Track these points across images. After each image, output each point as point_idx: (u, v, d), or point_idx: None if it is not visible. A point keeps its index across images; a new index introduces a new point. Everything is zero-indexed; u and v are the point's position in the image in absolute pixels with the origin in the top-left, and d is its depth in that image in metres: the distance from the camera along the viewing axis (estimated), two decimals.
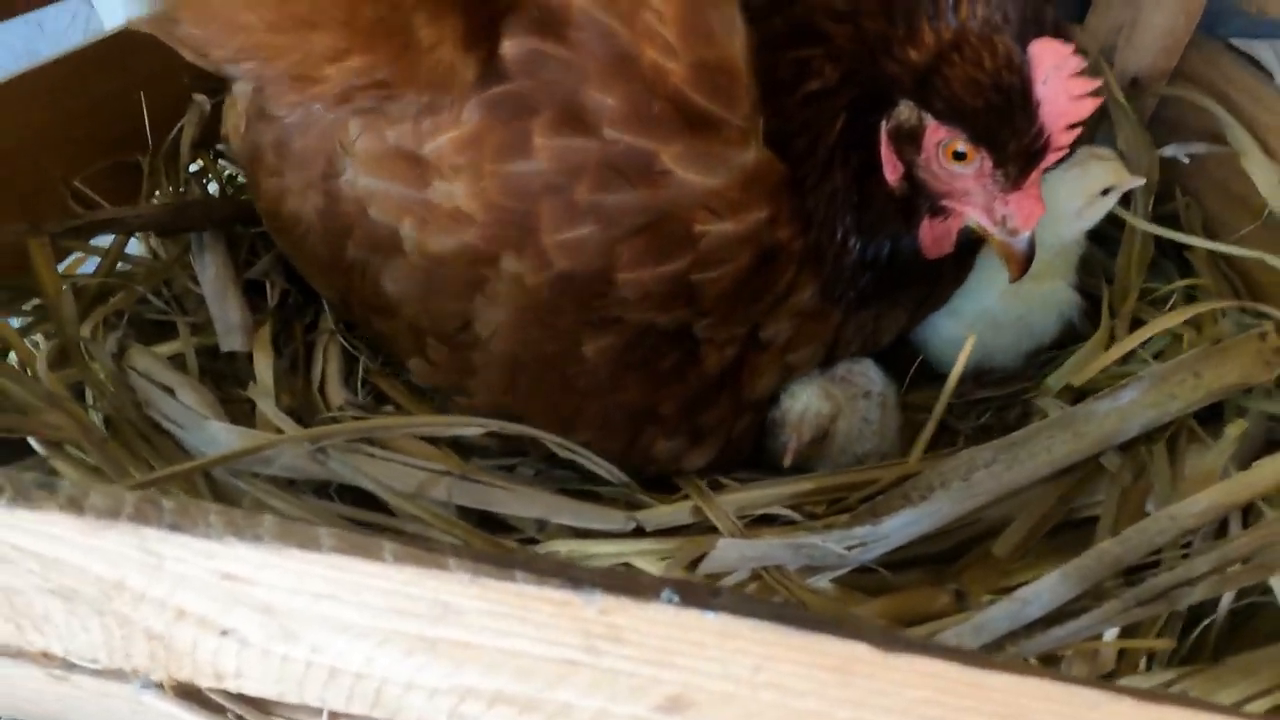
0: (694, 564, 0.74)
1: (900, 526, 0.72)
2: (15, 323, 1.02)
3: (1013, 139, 0.74)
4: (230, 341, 0.95)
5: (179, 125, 1.28)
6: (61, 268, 1.12)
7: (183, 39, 0.75)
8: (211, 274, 1.05)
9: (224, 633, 0.52)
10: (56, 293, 0.98)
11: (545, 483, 0.89)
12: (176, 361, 0.99)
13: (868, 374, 0.93)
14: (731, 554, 0.71)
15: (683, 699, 0.47)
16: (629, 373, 0.82)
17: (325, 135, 0.80)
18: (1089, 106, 0.73)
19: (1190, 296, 1.02)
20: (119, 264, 1.14)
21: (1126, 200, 1.11)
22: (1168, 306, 1.03)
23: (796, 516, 0.77)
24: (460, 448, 0.87)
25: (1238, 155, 1.02)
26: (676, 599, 0.42)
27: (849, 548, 0.70)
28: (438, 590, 0.45)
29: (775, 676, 0.45)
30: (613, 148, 0.72)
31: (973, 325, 1.04)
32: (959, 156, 0.79)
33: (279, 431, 0.77)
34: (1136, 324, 1.02)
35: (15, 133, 1.11)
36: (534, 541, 0.77)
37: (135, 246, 1.20)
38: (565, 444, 0.80)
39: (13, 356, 0.92)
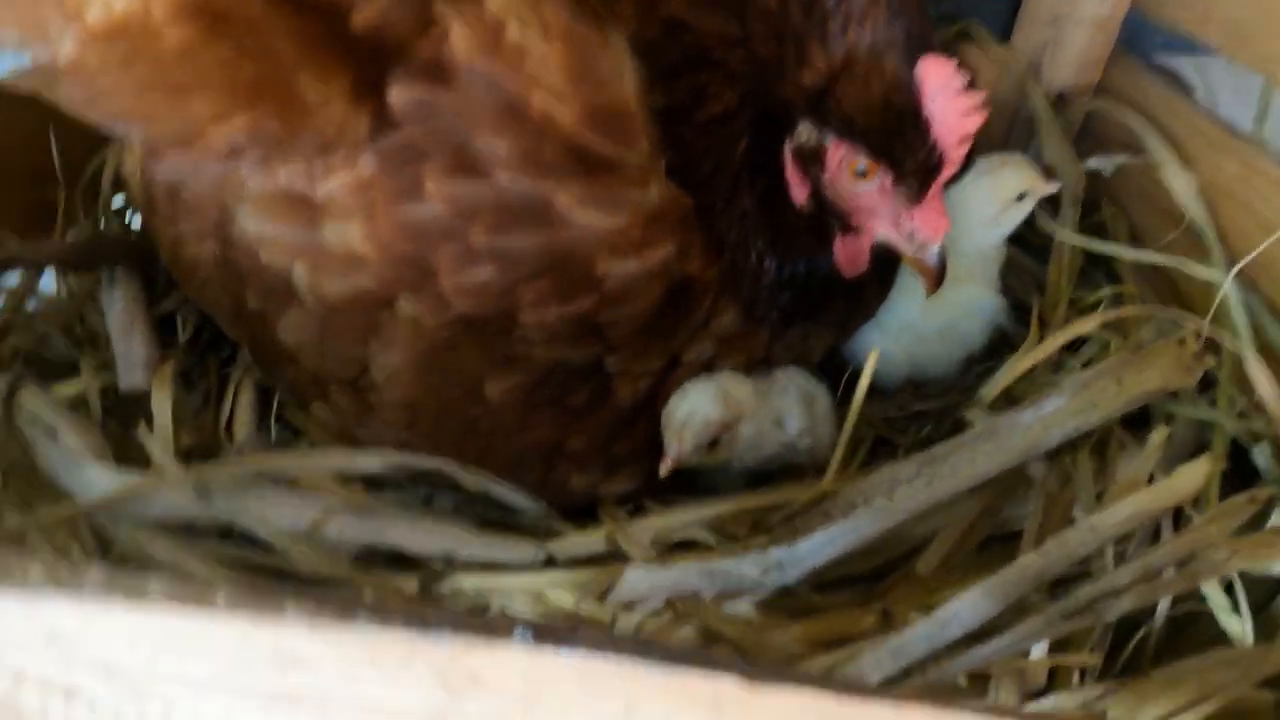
0: (607, 593, 0.70)
1: (816, 547, 0.69)
2: None
3: (908, 155, 0.75)
4: (130, 378, 0.91)
5: (98, 160, 1.25)
6: None
7: (62, 98, 0.72)
8: (119, 309, 1.01)
9: (69, 694, 0.48)
10: None
11: (464, 515, 0.86)
12: (79, 401, 0.95)
13: (791, 374, 0.90)
14: (642, 583, 0.67)
15: None
16: (538, 411, 0.80)
17: (216, 183, 0.77)
18: (976, 121, 0.74)
19: (1118, 304, 1.02)
20: (30, 301, 1.10)
21: (1056, 212, 1.12)
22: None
23: (713, 541, 0.74)
24: (374, 483, 0.83)
25: (1157, 166, 1.03)
26: (530, 638, 0.39)
27: (764, 571, 0.67)
28: (279, 638, 0.42)
29: (648, 717, 0.42)
30: (506, 192, 0.71)
31: (898, 338, 1.05)
32: (861, 174, 0.79)
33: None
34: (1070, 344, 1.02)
35: None
36: (441, 576, 0.73)
37: (52, 283, 1.16)
38: (477, 475, 0.77)
39: None
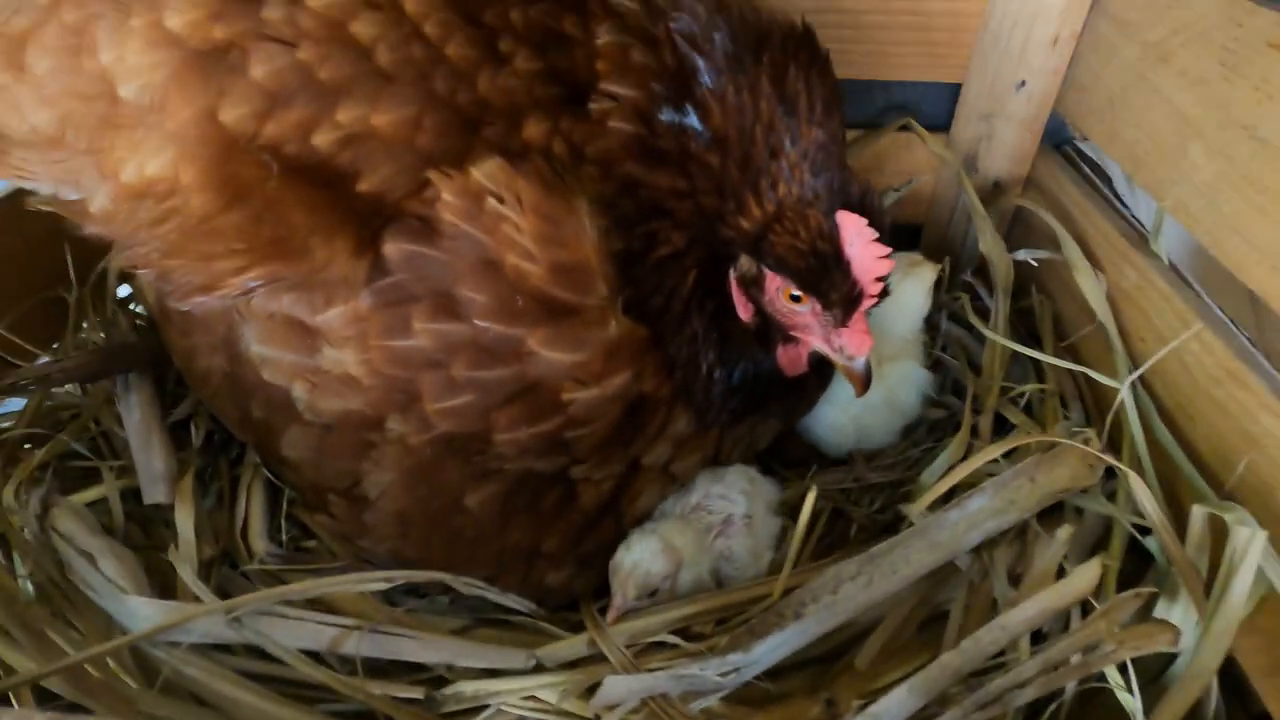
0: (590, 691, 0.81)
1: (769, 650, 0.80)
2: None
3: (833, 290, 0.89)
4: (154, 494, 0.99)
5: (107, 255, 1.31)
6: None
7: (89, 233, 0.81)
8: (136, 418, 1.09)
9: None
10: None
11: (460, 611, 0.96)
12: (102, 507, 1.03)
13: (730, 495, 1.01)
14: (620, 688, 0.78)
15: None
16: (514, 518, 0.91)
17: (225, 304, 0.86)
18: (888, 265, 0.88)
19: (1041, 396, 1.14)
20: (44, 402, 1.18)
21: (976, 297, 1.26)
22: (1022, 404, 1.15)
23: (681, 642, 0.85)
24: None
25: (1072, 267, 1.15)
26: None
27: (724, 674, 0.78)
28: None
29: None
30: (484, 334, 0.82)
31: (845, 409, 1.21)
32: (795, 299, 0.93)
33: (197, 599, 0.83)
34: (999, 419, 1.15)
35: None
36: (445, 681, 0.84)
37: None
38: (471, 583, 0.87)
39: None
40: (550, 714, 0.81)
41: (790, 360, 1.03)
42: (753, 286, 0.96)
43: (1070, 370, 1.15)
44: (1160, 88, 1.01)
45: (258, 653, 0.83)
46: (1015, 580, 0.92)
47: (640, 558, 0.90)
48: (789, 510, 1.26)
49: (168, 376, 1.21)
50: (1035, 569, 0.90)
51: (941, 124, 1.44)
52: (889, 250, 0.87)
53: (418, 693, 0.79)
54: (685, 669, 0.78)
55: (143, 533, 1.03)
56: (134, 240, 0.78)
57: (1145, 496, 0.85)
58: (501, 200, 0.80)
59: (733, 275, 0.97)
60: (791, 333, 0.99)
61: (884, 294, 0.91)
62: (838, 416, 1.21)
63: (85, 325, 1.28)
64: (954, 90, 1.39)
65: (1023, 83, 1.30)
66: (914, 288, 1.21)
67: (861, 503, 1.26)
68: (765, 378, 1.03)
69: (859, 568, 0.88)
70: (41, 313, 1.24)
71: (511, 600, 0.91)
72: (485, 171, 0.81)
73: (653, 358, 0.92)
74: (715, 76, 0.90)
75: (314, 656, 0.83)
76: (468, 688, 0.81)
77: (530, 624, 0.93)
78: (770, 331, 1.00)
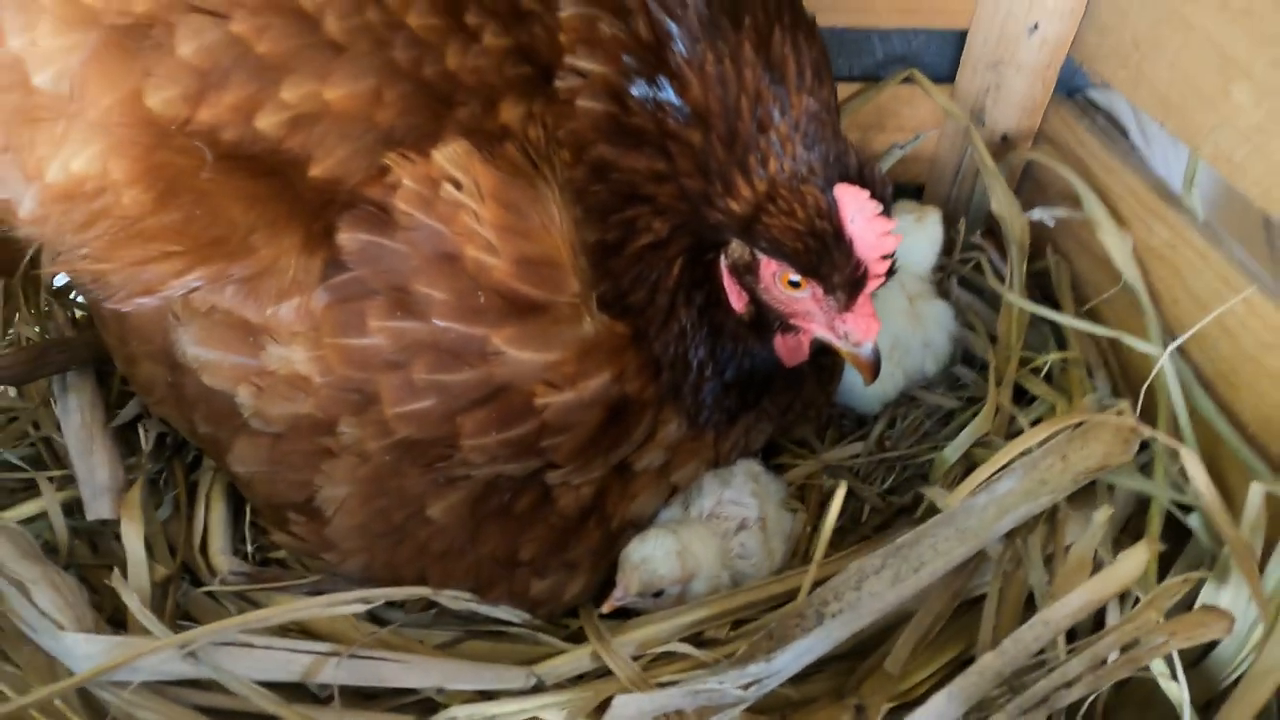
0: (597, 711, 0.73)
1: (793, 659, 0.73)
2: None
3: (835, 272, 0.80)
4: (98, 508, 0.89)
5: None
6: None
7: (22, 236, 0.72)
8: (76, 422, 0.99)
9: None
10: None
11: (449, 623, 0.87)
12: (45, 523, 0.93)
13: (742, 499, 0.94)
14: (630, 709, 0.70)
15: None
16: (484, 525, 0.83)
17: (160, 308, 0.78)
18: (894, 241, 0.79)
19: (1064, 366, 1.07)
20: None
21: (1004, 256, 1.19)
22: (1043, 374, 1.08)
23: (694, 651, 0.77)
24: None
25: (1094, 224, 1.07)
26: None
27: (744, 686, 0.71)
28: None
29: None
30: (444, 335, 0.74)
31: (889, 355, 1.15)
32: (794, 284, 0.84)
33: (147, 632, 0.73)
34: (1019, 392, 1.08)
35: None
36: (435, 705, 0.75)
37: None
38: (458, 596, 0.79)
39: None
40: None
41: (790, 350, 0.95)
42: (746, 274, 0.87)
43: (1094, 337, 1.08)
44: (1197, 23, 0.92)
45: (221, 689, 0.74)
46: (1048, 561, 0.86)
47: (651, 554, 0.83)
48: (798, 492, 1.20)
49: (112, 375, 1.10)
50: (1072, 555, 0.83)
51: (945, 75, 1.35)
52: (893, 224, 0.78)
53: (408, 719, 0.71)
54: (701, 683, 0.71)
55: (90, 550, 0.93)
56: (64, 245, 0.70)
57: (1198, 471, 0.78)
58: (459, 186, 0.72)
59: (723, 263, 0.88)
60: (791, 321, 0.90)
61: (890, 274, 0.82)
62: (888, 366, 1.13)
63: (16, 319, 1.16)
64: (959, 38, 1.30)
65: (1035, 26, 1.20)
66: (928, 231, 1.21)
67: (873, 481, 1.20)
68: (760, 373, 0.95)
69: (883, 561, 0.81)
70: None
71: (502, 611, 0.83)
72: (447, 155, 0.73)
73: (635, 357, 0.84)
74: (691, 44, 0.80)
75: (288, 687, 0.74)
76: (461, 713, 0.73)
77: (527, 635, 0.85)
78: (767, 321, 0.91)
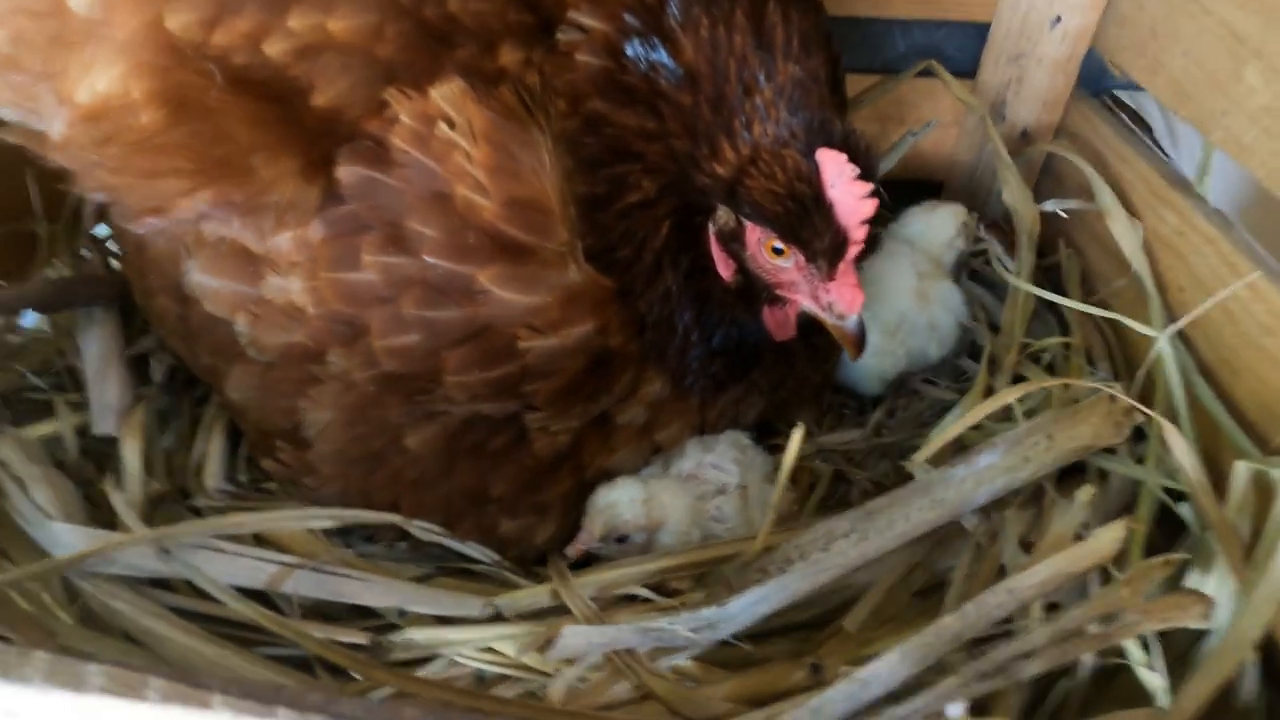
0: (550, 645, 0.74)
1: (748, 606, 0.72)
2: None
3: (815, 238, 0.80)
4: (103, 425, 0.94)
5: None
6: None
7: (48, 161, 0.77)
8: (95, 350, 1.04)
9: None
10: None
11: (422, 560, 0.89)
12: (55, 441, 0.98)
13: (723, 465, 0.94)
14: (579, 640, 0.71)
15: None
16: (458, 459, 0.84)
17: (174, 238, 0.82)
18: (872, 205, 0.79)
19: (1066, 352, 1.05)
20: (11, 337, 1.13)
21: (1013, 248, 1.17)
22: (1045, 363, 1.06)
23: (653, 596, 0.77)
24: (337, 531, 0.87)
25: (1106, 214, 1.05)
26: None
27: (697, 630, 0.71)
28: None
29: None
30: (433, 271, 0.76)
31: (894, 333, 1.14)
32: (777, 252, 0.84)
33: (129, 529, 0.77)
34: (1018, 379, 1.05)
35: None
36: (395, 628, 0.77)
37: (35, 317, 1.19)
38: (426, 527, 0.81)
39: None
40: (507, 667, 0.74)
41: (778, 323, 0.95)
42: (733, 241, 0.88)
43: (1099, 325, 1.05)
44: (1212, 7, 0.91)
45: (201, 592, 0.77)
46: (1029, 548, 0.83)
47: (616, 499, 0.84)
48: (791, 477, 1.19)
49: (135, 314, 1.16)
50: (1050, 533, 0.81)
51: (967, 69, 1.34)
52: (872, 188, 0.78)
53: (362, 638, 0.72)
54: (652, 622, 0.71)
55: (97, 469, 0.98)
56: (85, 162, 0.74)
57: (1181, 450, 0.75)
58: (453, 125, 0.74)
59: (711, 230, 0.89)
60: (777, 291, 0.90)
61: (872, 245, 0.82)
62: (890, 344, 1.13)
63: (55, 261, 1.23)
64: (981, 30, 1.29)
65: (1058, 19, 1.19)
66: (944, 216, 1.19)
67: (866, 466, 1.18)
68: (750, 344, 0.95)
69: (852, 524, 0.80)
70: (15, 245, 1.20)
71: (472, 549, 0.84)
72: (443, 93, 0.75)
73: (619, 312, 0.85)
74: (686, 7, 0.83)
75: (259, 597, 0.77)
76: (419, 635, 0.74)
77: (496, 574, 0.86)
78: (754, 291, 0.91)
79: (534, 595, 0.78)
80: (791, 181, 0.77)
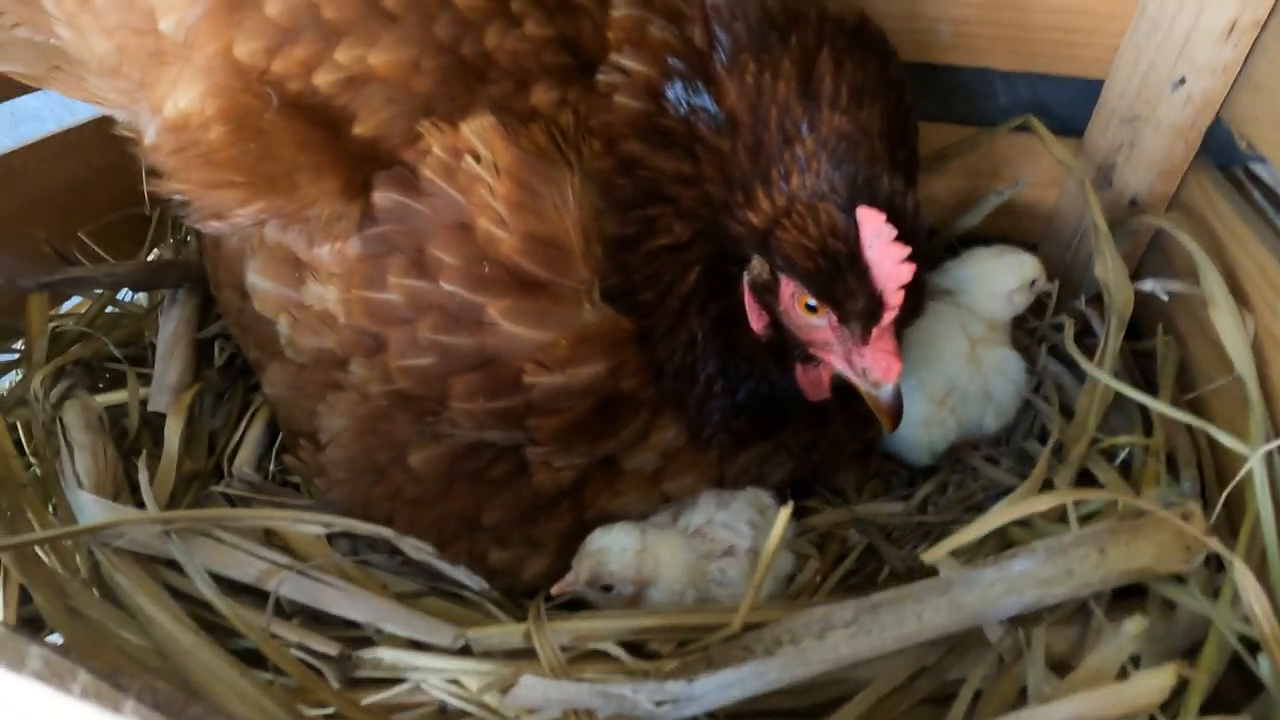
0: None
1: (717, 688, 0.67)
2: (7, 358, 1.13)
3: (848, 298, 0.75)
4: (158, 402, 1.01)
5: None
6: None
7: (144, 159, 0.86)
8: (170, 330, 1.13)
9: None
10: (40, 334, 1.08)
11: (419, 578, 0.89)
12: (123, 412, 1.06)
13: (736, 525, 0.88)
14: (535, 693, 0.68)
15: None
16: (457, 483, 0.85)
17: (244, 238, 0.89)
18: (910, 270, 0.73)
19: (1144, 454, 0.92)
20: (111, 309, 1.25)
21: (1088, 332, 1.05)
22: (1117, 461, 0.94)
23: (624, 655, 0.73)
24: (349, 535, 0.89)
25: (1211, 303, 0.92)
26: None
27: (658, 704, 0.66)
28: None
29: None
30: (450, 299, 0.78)
31: (944, 401, 1.05)
32: (811, 309, 0.80)
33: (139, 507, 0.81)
34: (1084, 476, 0.94)
35: (47, 185, 1.25)
36: (370, 643, 0.77)
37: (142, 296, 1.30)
38: (418, 546, 0.81)
39: None
40: (471, 704, 0.72)
41: (811, 383, 0.90)
42: (766, 293, 0.85)
43: (1189, 430, 0.92)
44: None
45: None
46: (1062, 670, 0.73)
47: (607, 545, 0.82)
48: (818, 541, 1.12)
49: (213, 301, 1.24)
50: (1089, 664, 0.71)
51: (1074, 128, 1.23)
52: (911, 251, 0.72)
53: (333, 648, 0.73)
54: (616, 687, 0.67)
55: (153, 441, 1.05)
56: (167, 168, 0.82)
57: (1255, 595, 0.64)
58: (479, 159, 0.76)
59: (745, 279, 0.86)
60: (811, 350, 0.86)
61: (913, 311, 0.76)
62: (930, 409, 1.05)
63: (161, 245, 1.35)
64: (1093, 88, 1.18)
65: (1181, 80, 1.07)
66: (1006, 270, 1.08)
67: (904, 543, 1.09)
68: (780, 401, 0.91)
69: (855, 614, 0.73)
70: (127, 227, 1.32)
71: (461, 574, 0.83)
72: (473, 128, 0.77)
73: (636, 355, 0.83)
74: (735, 53, 0.81)
75: (252, 592, 0.79)
76: (388, 656, 0.74)
77: (481, 604, 0.84)
78: (787, 348, 0.87)
79: (507, 633, 0.76)
80: (825, 236, 0.73)
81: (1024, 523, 0.91)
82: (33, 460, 0.93)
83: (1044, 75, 1.22)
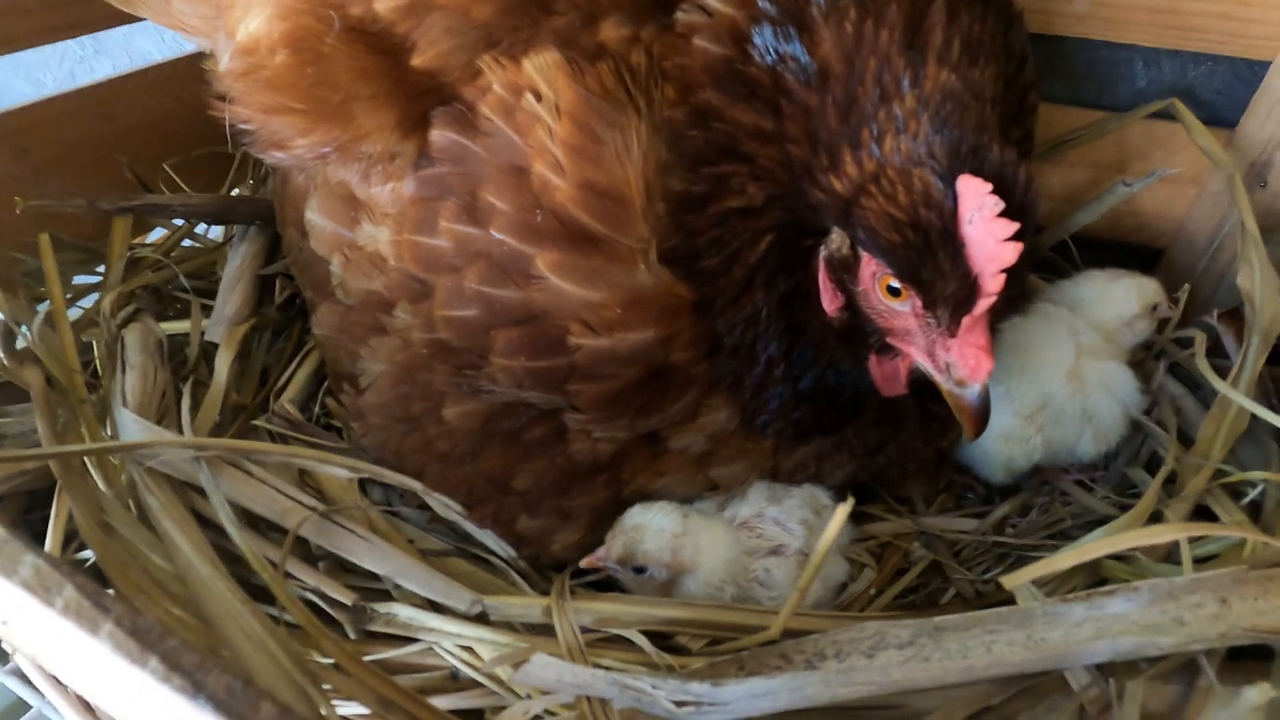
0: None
1: (745, 696, 0.60)
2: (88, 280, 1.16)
3: (938, 279, 0.64)
4: (214, 333, 1.01)
5: None
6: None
7: (217, 87, 0.85)
8: (236, 264, 1.13)
9: None
10: (119, 257, 1.10)
11: (447, 537, 0.86)
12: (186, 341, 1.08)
13: (787, 523, 0.80)
14: (548, 673, 0.62)
15: None
16: (489, 442, 0.80)
17: (310, 176, 0.88)
18: (1015, 251, 0.61)
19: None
20: (188, 243, 1.28)
21: (1216, 351, 0.91)
22: (1244, 501, 0.80)
23: (647, 646, 0.67)
24: (381, 483, 0.87)
25: None
26: None
27: (679, 704, 0.60)
28: (91, 650, 0.43)
29: None
30: (498, 247, 0.73)
31: (1032, 417, 0.93)
32: (893, 292, 0.70)
33: (180, 432, 0.81)
34: (1201, 513, 0.81)
35: (140, 115, 1.29)
36: (387, 597, 0.74)
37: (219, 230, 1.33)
38: (446, 502, 0.77)
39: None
40: (479, 674, 0.67)
41: (886, 377, 0.79)
42: (844, 272, 0.74)
43: None
44: None
45: (239, 508, 0.79)
46: None
47: (645, 523, 0.76)
48: (877, 550, 1.02)
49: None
50: None
51: (1225, 118, 1.08)
52: (1019, 229, 0.61)
53: (348, 597, 0.70)
54: (634, 679, 0.61)
55: (208, 371, 1.06)
56: (235, 93, 0.81)
57: None
58: (539, 98, 0.70)
59: (821, 254, 0.76)
60: (889, 339, 0.75)
61: (1013, 303, 0.65)
62: (1015, 424, 0.92)
63: (242, 182, 1.37)
64: (1254, 71, 1.03)
65: None
66: (1126, 293, 0.96)
67: (974, 565, 0.98)
68: (847, 395, 0.81)
69: (913, 635, 0.64)
70: (211, 164, 1.35)
71: (489, 538, 0.79)
72: (536, 64, 0.72)
73: (691, 326, 0.75)
74: None
75: (283, 532, 0.77)
76: (403, 613, 0.70)
77: (507, 574, 0.80)
78: (862, 334, 0.76)
79: (527, 605, 0.71)
80: (916, 206, 0.63)
81: (1124, 558, 0.79)
82: (95, 378, 0.95)
83: (1196, 55, 1.07)
